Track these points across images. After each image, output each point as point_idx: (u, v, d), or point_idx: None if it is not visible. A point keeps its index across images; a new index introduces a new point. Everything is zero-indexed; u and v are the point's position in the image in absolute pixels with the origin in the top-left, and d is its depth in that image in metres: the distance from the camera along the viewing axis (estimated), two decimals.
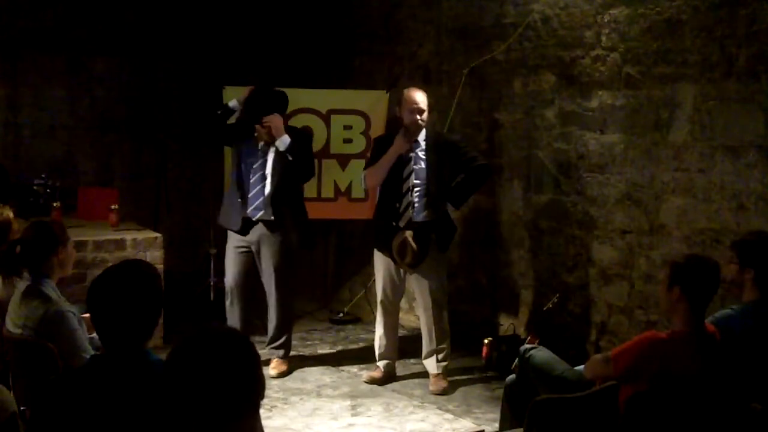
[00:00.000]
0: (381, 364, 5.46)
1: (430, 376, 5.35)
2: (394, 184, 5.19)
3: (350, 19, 7.36)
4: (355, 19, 7.32)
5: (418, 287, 5.33)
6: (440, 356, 5.31)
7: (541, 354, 3.86)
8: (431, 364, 5.34)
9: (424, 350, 5.38)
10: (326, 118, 6.60)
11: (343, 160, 6.65)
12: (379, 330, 5.46)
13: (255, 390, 1.92)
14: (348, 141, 6.63)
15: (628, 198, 5.17)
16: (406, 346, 5.69)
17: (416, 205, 5.16)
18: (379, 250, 5.36)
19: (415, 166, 5.19)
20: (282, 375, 5.50)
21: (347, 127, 6.63)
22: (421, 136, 5.22)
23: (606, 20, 5.22)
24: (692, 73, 4.75)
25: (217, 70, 7.08)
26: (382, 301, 5.41)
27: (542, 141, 5.73)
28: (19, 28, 6.96)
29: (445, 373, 5.36)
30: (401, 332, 5.78)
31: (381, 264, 5.37)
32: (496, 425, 4.32)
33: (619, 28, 5.14)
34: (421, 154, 5.19)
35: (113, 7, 7.23)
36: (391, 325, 5.44)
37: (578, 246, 5.51)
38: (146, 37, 7.33)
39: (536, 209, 5.81)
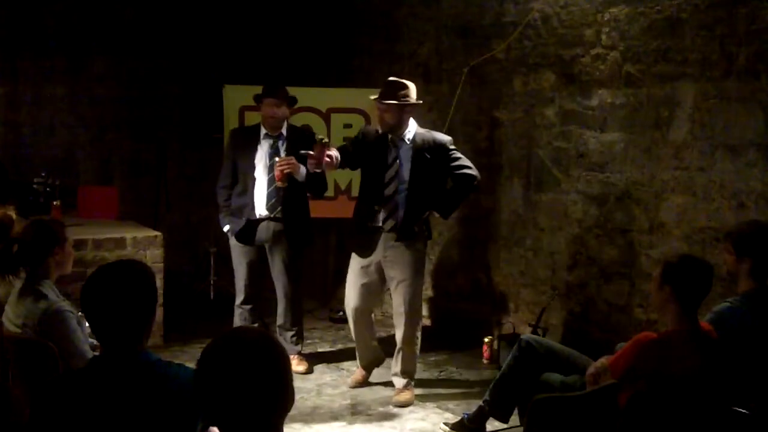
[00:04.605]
0: (364, 368, 5.30)
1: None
2: (376, 186, 4.90)
3: (350, 17, 7.36)
4: (355, 17, 7.31)
5: (393, 296, 5.05)
6: (405, 375, 5.05)
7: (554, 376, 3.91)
8: (396, 379, 5.09)
9: (393, 367, 5.09)
10: (326, 116, 6.60)
11: None
12: (357, 340, 5.20)
13: (286, 398, 1.89)
14: (348, 139, 6.62)
15: (628, 196, 5.17)
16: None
17: (400, 208, 4.86)
18: (357, 255, 5.04)
19: (400, 168, 4.86)
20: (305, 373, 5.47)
21: (347, 126, 6.62)
22: (408, 135, 4.88)
23: (606, 19, 5.22)
24: (692, 71, 4.75)
25: (217, 70, 7.09)
26: (354, 309, 5.05)
27: (542, 139, 5.72)
28: (19, 27, 6.97)
29: (410, 386, 5.05)
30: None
31: (356, 269, 5.04)
32: (497, 424, 4.33)
33: (619, 26, 5.14)
34: (405, 156, 4.86)
35: (113, 6, 7.24)
36: (365, 332, 5.17)
37: (578, 244, 5.51)
38: (146, 36, 7.33)
39: (536, 208, 5.81)
